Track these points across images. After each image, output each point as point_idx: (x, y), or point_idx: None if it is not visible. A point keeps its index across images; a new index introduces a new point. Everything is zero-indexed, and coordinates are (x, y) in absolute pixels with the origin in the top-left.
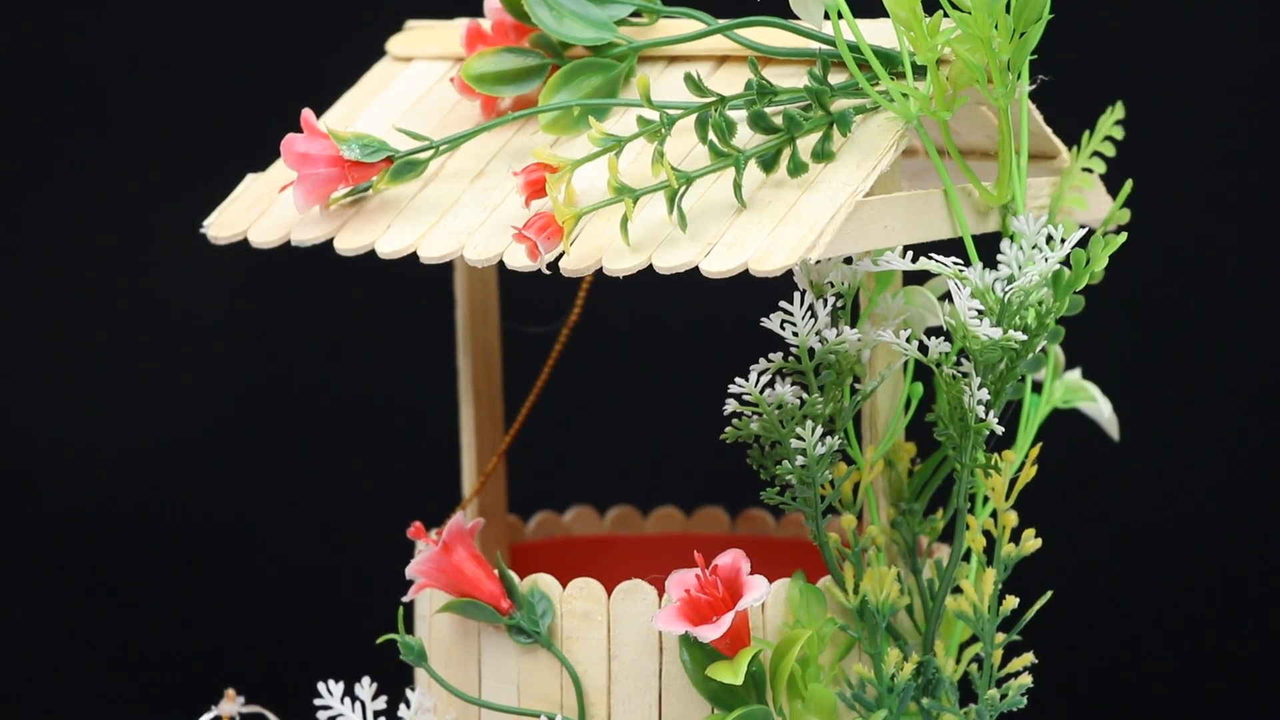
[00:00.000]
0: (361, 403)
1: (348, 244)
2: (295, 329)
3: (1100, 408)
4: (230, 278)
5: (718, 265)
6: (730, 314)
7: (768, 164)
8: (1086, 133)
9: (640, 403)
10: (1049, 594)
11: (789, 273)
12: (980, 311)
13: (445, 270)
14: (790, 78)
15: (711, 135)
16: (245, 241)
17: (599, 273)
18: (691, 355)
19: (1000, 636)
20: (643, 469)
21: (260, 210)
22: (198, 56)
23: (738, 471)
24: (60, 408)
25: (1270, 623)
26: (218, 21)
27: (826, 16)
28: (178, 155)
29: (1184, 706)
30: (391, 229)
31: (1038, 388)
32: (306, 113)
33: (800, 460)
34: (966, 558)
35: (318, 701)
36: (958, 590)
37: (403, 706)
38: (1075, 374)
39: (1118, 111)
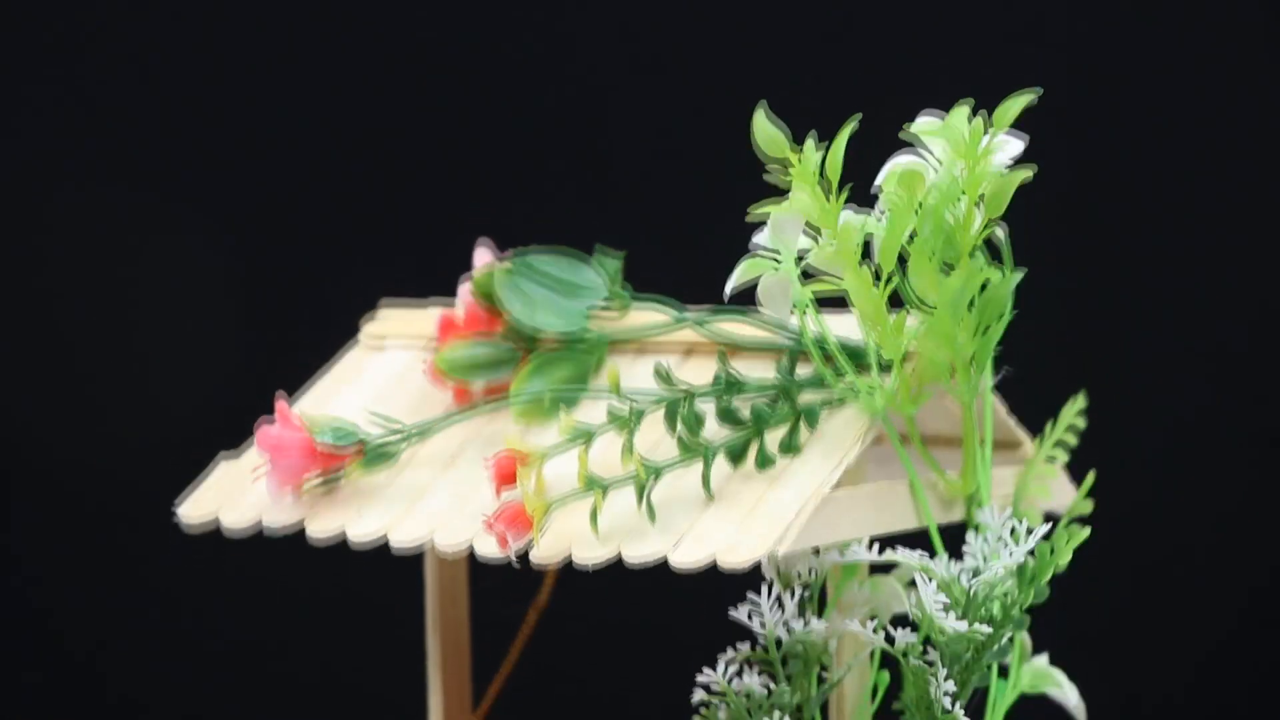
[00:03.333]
0: (330, 681)
1: (319, 530)
2: (264, 606)
3: (1067, 694)
4: (203, 550)
5: (686, 558)
6: (698, 601)
7: (736, 456)
8: (1049, 423)
9: (608, 685)
10: None
11: (757, 563)
12: (946, 604)
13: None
14: (758, 369)
15: (680, 428)
16: (217, 525)
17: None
18: (660, 640)
19: None
20: None
21: (233, 494)
22: (176, 337)
23: None
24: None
25: None
26: (195, 300)
27: (794, 310)
28: (151, 431)
29: None
30: (363, 515)
31: (1004, 673)
32: (280, 401)
33: None
34: None
35: None
36: None
37: None
38: (1042, 660)
39: (1080, 402)
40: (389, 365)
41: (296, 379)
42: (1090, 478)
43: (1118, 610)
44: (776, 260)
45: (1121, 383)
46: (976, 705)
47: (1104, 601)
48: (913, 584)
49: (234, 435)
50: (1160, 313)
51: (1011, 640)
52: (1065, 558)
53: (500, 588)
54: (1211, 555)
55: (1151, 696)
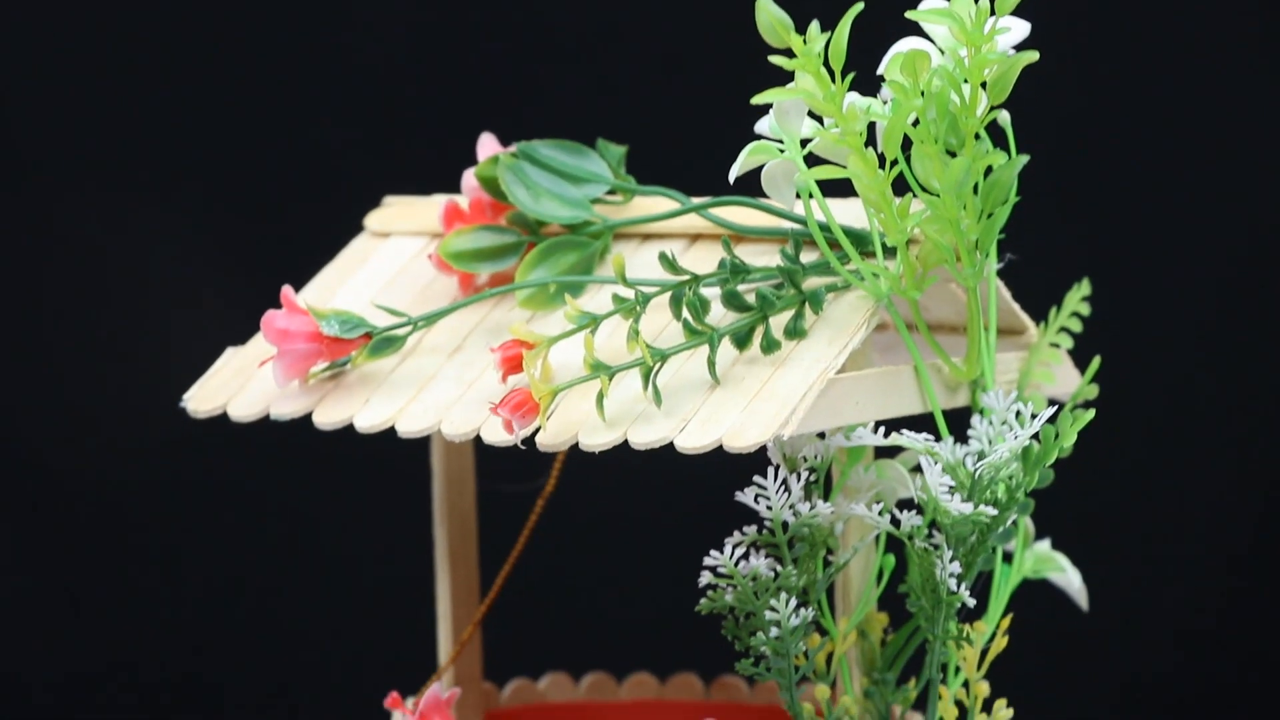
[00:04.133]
0: (338, 571)
1: (326, 418)
2: (273, 498)
3: (1070, 578)
4: (205, 443)
5: (692, 441)
6: (705, 485)
7: (741, 341)
8: (1054, 309)
9: (615, 571)
10: None
11: (763, 447)
12: (951, 487)
13: (423, 440)
14: (763, 255)
15: (686, 313)
16: (225, 415)
17: (575, 446)
18: (666, 525)
19: None
20: (617, 636)
21: (240, 384)
22: (182, 230)
23: (712, 638)
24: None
25: None
26: (200, 195)
27: (798, 196)
28: (160, 330)
29: None
30: (370, 403)
31: (1008, 558)
32: (286, 289)
33: (774, 631)
34: None
35: None
36: None
37: None
38: (1045, 545)
39: (1084, 288)
40: (394, 255)
41: (303, 274)
42: (1095, 363)
43: (1121, 495)
44: (781, 146)
45: (1126, 268)
46: (980, 589)
47: (1107, 487)
48: (918, 469)
49: (241, 331)
50: (1165, 196)
51: (1015, 524)
52: (1070, 440)
53: (507, 476)
54: (1217, 441)
55: (1154, 581)
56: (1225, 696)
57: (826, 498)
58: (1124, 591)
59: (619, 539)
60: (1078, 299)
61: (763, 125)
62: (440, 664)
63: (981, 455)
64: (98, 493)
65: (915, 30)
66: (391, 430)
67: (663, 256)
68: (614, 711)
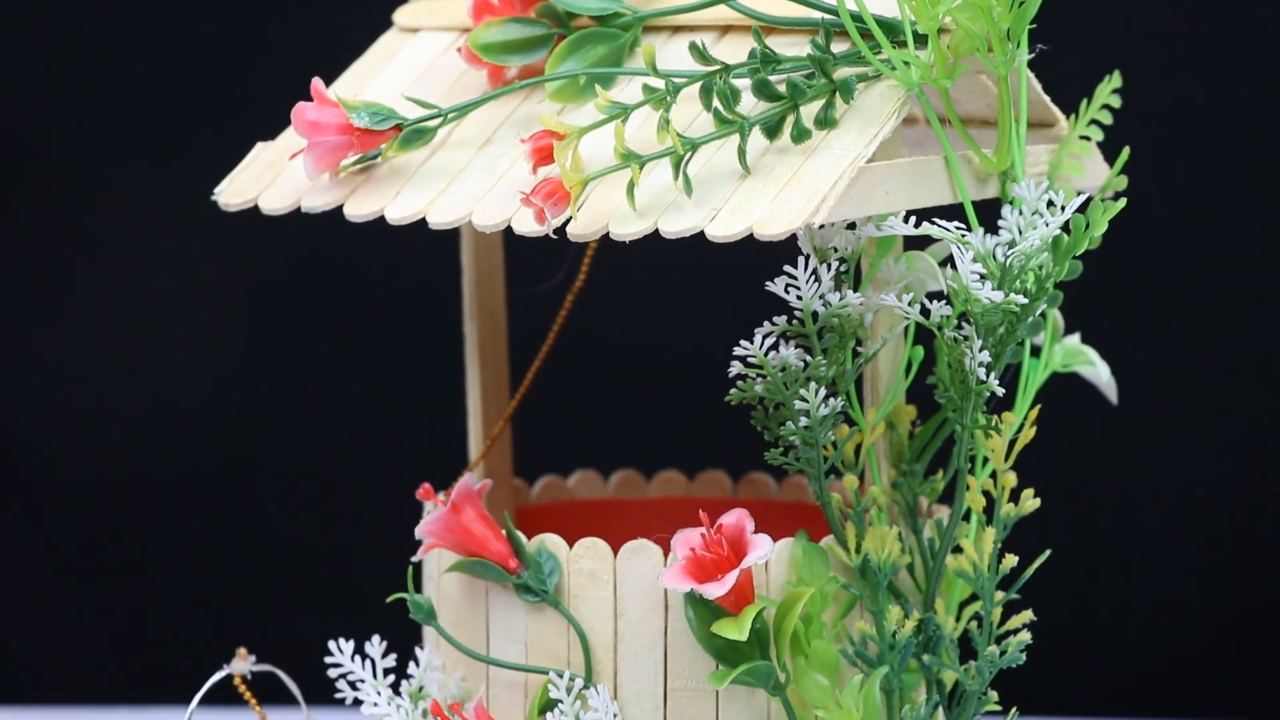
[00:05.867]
0: (370, 367)
1: (357, 210)
2: (303, 296)
3: (1099, 372)
4: (238, 244)
5: (723, 230)
6: (734, 279)
7: (772, 131)
8: (1084, 101)
9: (644, 368)
10: (1047, 553)
11: (793, 237)
12: (982, 275)
13: (452, 237)
14: (793, 46)
15: (716, 103)
16: (256, 208)
17: (605, 238)
18: (695, 320)
19: (999, 594)
20: (646, 433)
21: (271, 178)
22: (205, 27)
23: (740, 435)
24: (56, 366)
25: (1271, 580)
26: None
27: None
28: (185, 124)
29: (1181, 665)
30: (400, 195)
31: (1037, 352)
32: (316, 81)
33: (804, 421)
34: (966, 517)
35: (328, 659)
36: (958, 549)
37: (412, 664)
38: (1074, 339)
39: (1115, 81)
40: (423, 50)
41: (332, 72)
42: (1124, 154)
43: (1151, 290)
44: None
45: (1158, 59)
46: (1009, 382)
47: (1137, 284)
48: (947, 262)
49: (268, 130)
50: None
51: (1045, 316)
52: (1100, 230)
53: (535, 278)
54: (1255, 229)
55: (1185, 376)
56: (1258, 487)
57: (856, 288)
58: (1154, 384)
59: (648, 335)
60: (1108, 91)
61: None
62: (471, 460)
63: (1012, 244)
64: (118, 289)
65: None
66: (423, 222)
67: (693, 46)
68: (642, 508)
